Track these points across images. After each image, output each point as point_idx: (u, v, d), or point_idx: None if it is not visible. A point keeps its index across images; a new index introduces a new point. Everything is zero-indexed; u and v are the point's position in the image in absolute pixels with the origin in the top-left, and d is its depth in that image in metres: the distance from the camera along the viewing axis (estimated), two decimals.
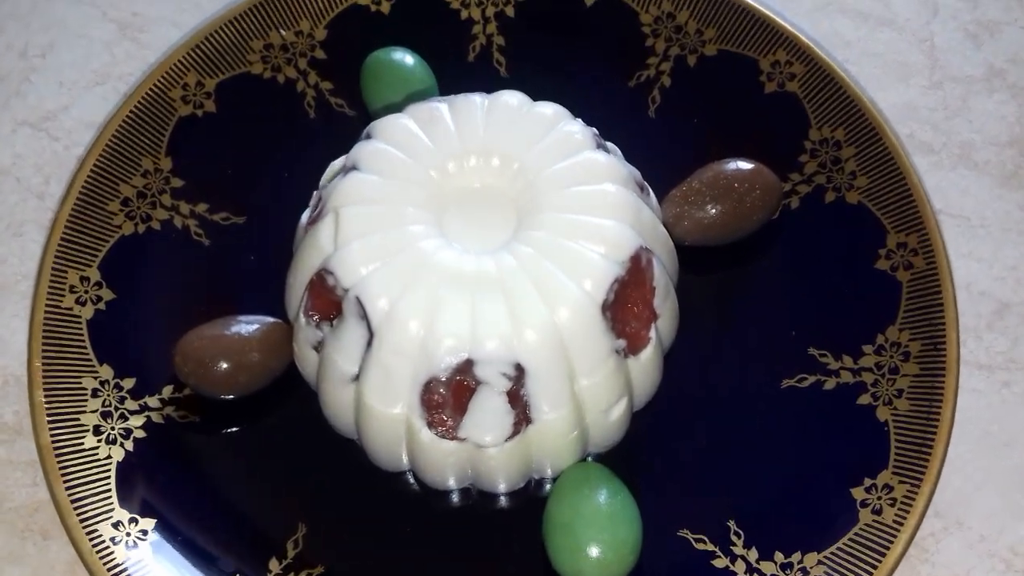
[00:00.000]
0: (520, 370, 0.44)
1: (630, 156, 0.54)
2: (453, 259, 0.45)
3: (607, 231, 0.45)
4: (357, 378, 0.46)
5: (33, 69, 0.61)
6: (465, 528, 0.49)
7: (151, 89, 0.56)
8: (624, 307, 0.46)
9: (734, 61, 0.57)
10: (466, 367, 0.44)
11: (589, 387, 0.46)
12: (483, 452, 0.46)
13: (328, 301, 0.46)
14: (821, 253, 0.53)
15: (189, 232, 0.55)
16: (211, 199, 0.55)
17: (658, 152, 0.56)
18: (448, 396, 0.44)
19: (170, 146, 0.55)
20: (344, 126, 0.57)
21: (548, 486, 0.49)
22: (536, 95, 0.57)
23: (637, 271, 0.46)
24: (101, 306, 0.52)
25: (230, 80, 0.57)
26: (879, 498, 0.47)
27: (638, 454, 0.50)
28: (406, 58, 0.56)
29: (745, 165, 0.53)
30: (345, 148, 0.52)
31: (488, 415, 0.45)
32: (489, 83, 0.58)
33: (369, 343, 0.45)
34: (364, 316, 0.45)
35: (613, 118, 0.57)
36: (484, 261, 0.45)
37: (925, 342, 0.50)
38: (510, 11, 0.60)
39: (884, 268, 0.52)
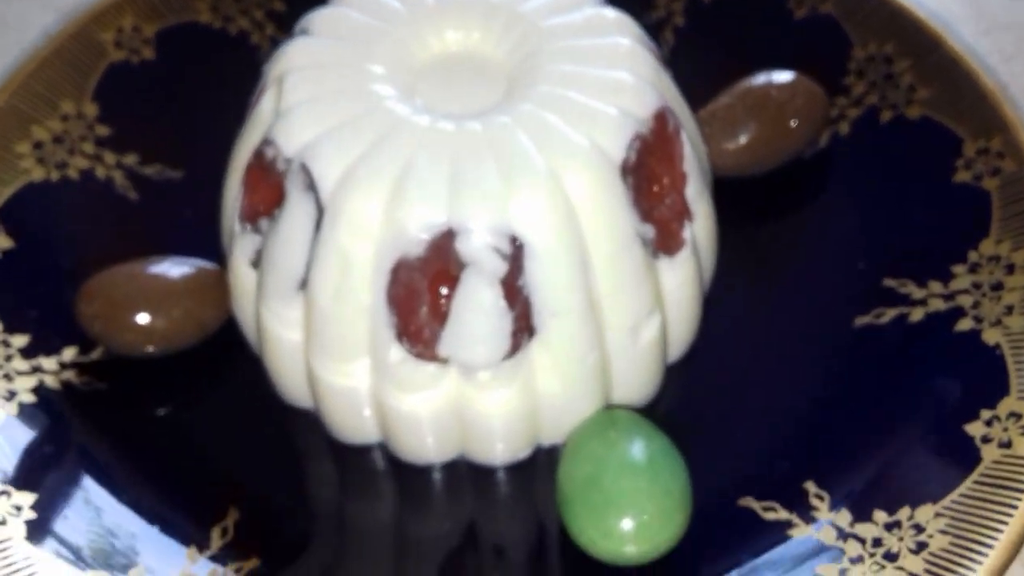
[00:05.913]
0: (517, 246, 0.33)
1: None
2: (429, 120, 0.35)
3: (623, 83, 0.36)
4: (305, 285, 0.35)
5: None
6: (449, 517, 0.37)
7: (77, 30, 0.48)
8: (650, 179, 0.35)
9: None
10: (445, 241, 0.33)
11: (609, 289, 0.35)
12: (473, 387, 0.35)
13: (268, 187, 0.36)
14: (885, 176, 0.44)
15: (113, 184, 0.45)
16: (143, 150, 0.46)
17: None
18: (424, 289, 0.33)
19: (97, 92, 0.47)
20: None
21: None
22: None
23: (663, 134, 0.36)
24: None
25: (173, 28, 0.49)
26: (1005, 429, 0.35)
27: (682, 409, 0.39)
28: None
29: (781, 76, 0.45)
30: None
31: (478, 318, 0.34)
32: None
33: (319, 224, 0.34)
34: (312, 187, 0.34)
35: None
36: (469, 122, 0.35)
37: None
38: None
39: (966, 180, 0.42)
